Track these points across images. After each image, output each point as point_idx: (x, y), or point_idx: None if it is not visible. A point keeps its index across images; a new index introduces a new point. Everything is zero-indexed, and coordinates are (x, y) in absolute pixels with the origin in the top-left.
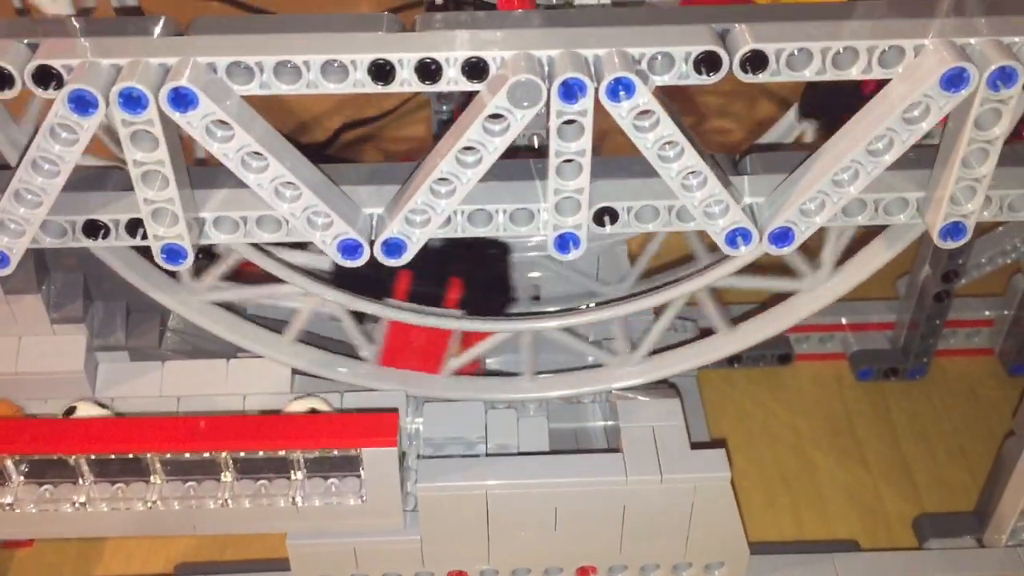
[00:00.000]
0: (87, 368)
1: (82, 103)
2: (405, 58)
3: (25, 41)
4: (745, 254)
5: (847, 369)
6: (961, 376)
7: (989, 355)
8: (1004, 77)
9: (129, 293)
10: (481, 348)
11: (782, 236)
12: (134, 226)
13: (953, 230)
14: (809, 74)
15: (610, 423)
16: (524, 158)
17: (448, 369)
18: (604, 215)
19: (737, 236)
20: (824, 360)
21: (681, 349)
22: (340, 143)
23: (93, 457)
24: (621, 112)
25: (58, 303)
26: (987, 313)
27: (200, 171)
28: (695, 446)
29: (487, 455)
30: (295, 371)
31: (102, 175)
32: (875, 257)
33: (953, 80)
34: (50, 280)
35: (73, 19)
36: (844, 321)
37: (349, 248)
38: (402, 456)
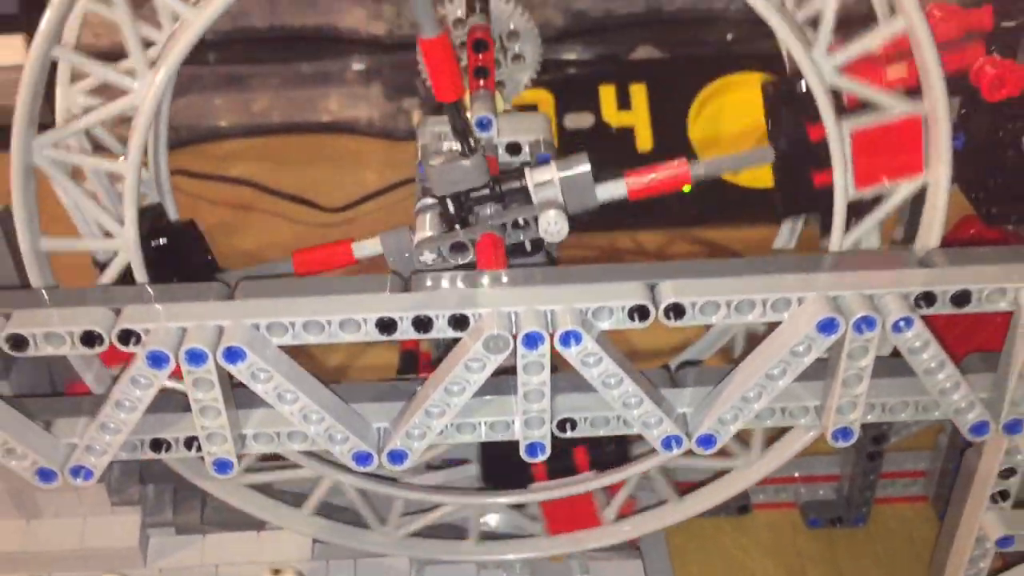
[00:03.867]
0: (140, 543)
1: (157, 360)
2: (404, 315)
3: (110, 307)
4: (676, 455)
5: (800, 517)
6: (899, 522)
7: (924, 502)
8: (866, 323)
9: (176, 477)
10: None
11: (707, 440)
12: (190, 441)
13: (843, 433)
14: (716, 320)
15: None
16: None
17: None
18: (566, 423)
19: (671, 441)
20: (779, 508)
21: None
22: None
23: None
24: (571, 355)
25: (117, 488)
26: (921, 465)
27: (241, 393)
28: None
29: None
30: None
31: (164, 399)
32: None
33: (826, 326)
34: (111, 468)
35: (148, 287)
36: (796, 474)
37: (362, 457)
38: None
